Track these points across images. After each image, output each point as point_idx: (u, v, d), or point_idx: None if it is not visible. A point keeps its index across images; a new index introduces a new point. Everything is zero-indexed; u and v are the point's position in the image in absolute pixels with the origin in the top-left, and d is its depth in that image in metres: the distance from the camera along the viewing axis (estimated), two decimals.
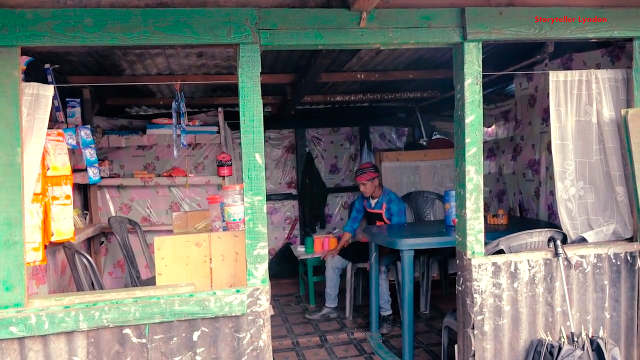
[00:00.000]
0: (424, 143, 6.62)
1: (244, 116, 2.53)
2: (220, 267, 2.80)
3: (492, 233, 3.72)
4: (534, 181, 4.58)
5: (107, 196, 5.40)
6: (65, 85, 4.02)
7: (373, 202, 5.05)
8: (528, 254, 2.87)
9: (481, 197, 2.79)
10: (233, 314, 2.49)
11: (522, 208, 4.83)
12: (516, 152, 4.88)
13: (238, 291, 2.51)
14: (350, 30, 2.64)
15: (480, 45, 2.75)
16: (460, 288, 2.88)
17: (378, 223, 5.00)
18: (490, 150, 5.43)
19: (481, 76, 2.76)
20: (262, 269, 2.57)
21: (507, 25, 2.75)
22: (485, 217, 4.48)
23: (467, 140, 2.76)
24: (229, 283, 2.80)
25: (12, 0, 2.40)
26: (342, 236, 5.31)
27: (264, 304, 2.55)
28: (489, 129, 5.56)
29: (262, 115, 2.56)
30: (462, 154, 2.78)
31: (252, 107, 2.54)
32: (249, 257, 2.56)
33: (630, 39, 2.94)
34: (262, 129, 2.56)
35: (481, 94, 2.76)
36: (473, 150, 2.77)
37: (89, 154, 3.39)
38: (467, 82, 2.74)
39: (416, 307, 5.01)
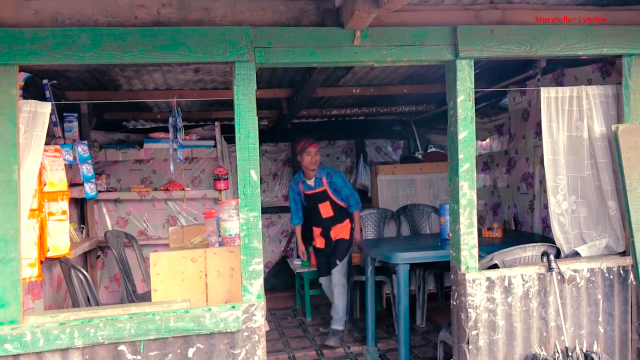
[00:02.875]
0: (420, 156, 6.66)
1: (240, 133, 2.57)
2: (216, 283, 2.81)
3: (487, 247, 3.74)
4: (528, 194, 4.62)
5: (104, 210, 5.40)
6: (63, 102, 4.05)
7: (311, 182, 4.68)
8: (522, 268, 2.89)
9: (474, 212, 2.82)
10: (228, 330, 2.50)
11: (517, 221, 4.86)
12: (510, 165, 4.92)
13: (233, 307, 2.53)
14: (344, 48, 2.68)
15: (472, 63, 2.79)
16: (454, 303, 2.89)
17: (323, 205, 4.67)
18: (485, 163, 5.47)
19: (473, 93, 2.80)
20: (257, 285, 2.58)
21: (498, 43, 2.80)
22: (480, 230, 4.54)
23: (461, 156, 2.79)
24: (224, 299, 2.81)
25: (11, 20, 2.45)
26: (296, 231, 5.08)
27: (260, 320, 2.56)
28: (483, 142, 5.61)
29: (257, 132, 2.60)
30: (456, 170, 2.82)
31: (247, 124, 2.57)
32: (244, 273, 2.58)
33: (620, 56, 2.99)
34: (258, 145, 2.60)
35: (474, 111, 2.80)
36: (466, 166, 2.80)
37: (86, 169, 3.41)
38: (460, 98, 2.78)
39: (412, 320, 5.01)
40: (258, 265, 2.59)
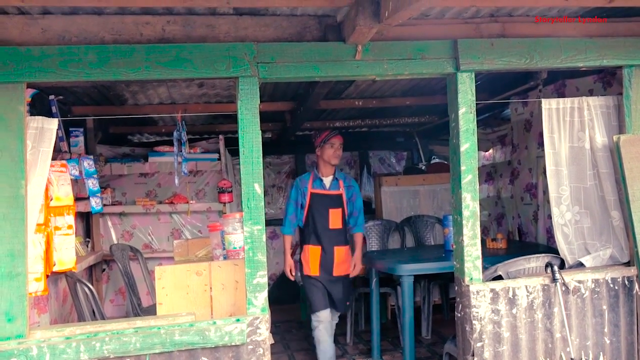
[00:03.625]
0: (423, 167, 6.67)
1: (243, 147, 2.59)
2: (221, 296, 2.83)
3: (492, 257, 3.74)
4: (532, 205, 4.62)
5: (109, 223, 5.44)
6: (69, 118, 4.10)
7: (326, 180, 4.03)
8: (526, 279, 2.89)
9: (478, 223, 2.83)
10: (233, 344, 2.51)
11: (521, 232, 4.86)
12: (514, 176, 4.93)
13: (238, 320, 2.54)
14: (346, 62, 2.72)
15: (473, 75, 2.82)
16: (459, 314, 2.89)
17: (335, 212, 4.01)
18: (488, 174, 5.48)
19: (475, 105, 2.83)
20: (261, 298, 2.60)
21: (498, 55, 2.83)
22: (484, 241, 4.54)
23: (463, 167, 2.81)
24: (229, 312, 2.82)
25: (19, 38, 2.50)
26: (285, 242, 4.09)
27: (264, 333, 2.56)
28: (487, 153, 5.62)
29: (261, 146, 2.62)
30: (458, 181, 2.83)
31: (251, 138, 2.60)
32: (248, 286, 2.59)
33: (620, 67, 3.01)
34: (261, 159, 2.62)
35: (475, 123, 2.83)
36: (469, 177, 2.82)
37: (92, 184, 3.44)
38: (461, 111, 2.81)
39: (418, 332, 4.99)
40: (262, 278, 2.60)
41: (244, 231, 2.61)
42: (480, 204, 5.61)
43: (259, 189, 2.60)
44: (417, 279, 4.76)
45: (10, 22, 2.49)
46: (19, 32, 2.49)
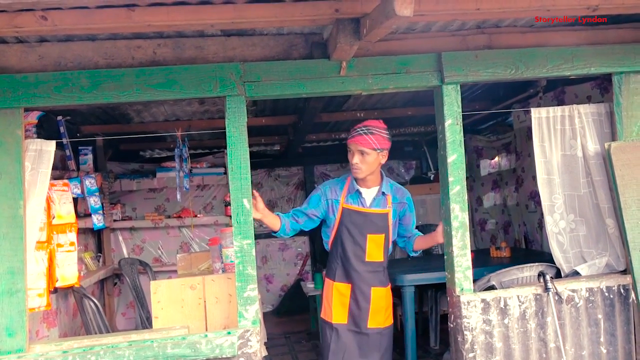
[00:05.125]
0: (431, 176, 6.66)
1: (232, 164, 2.67)
2: (215, 309, 2.89)
3: (495, 266, 3.72)
4: (536, 213, 4.58)
5: (120, 238, 5.58)
6: (77, 139, 4.25)
7: (368, 194, 2.88)
8: (518, 289, 2.88)
9: (467, 234, 2.84)
10: (224, 356, 2.57)
11: (527, 239, 4.82)
12: (518, 183, 4.90)
13: (229, 333, 2.59)
14: (331, 78, 2.78)
15: (459, 87, 2.84)
16: (451, 325, 2.89)
17: (376, 239, 2.84)
18: (494, 182, 5.45)
19: (461, 116, 2.85)
20: (252, 311, 2.65)
21: (483, 67, 2.85)
22: (488, 250, 4.52)
23: (451, 179, 2.83)
24: (223, 324, 2.89)
25: (18, 65, 2.63)
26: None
27: (255, 345, 2.61)
28: (492, 160, 5.59)
29: (249, 162, 2.69)
30: (447, 192, 2.85)
31: (239, 155, 2.67)
32: (239, 299, 2.65)
33: (609, 74, 2.99)
34: (250, 175, 2.69)
35: (462, 134, 2.85)
36: (457, 188, 2.83)
37: (94, 201, 3.57)
38: (448, 122, 2.83)
39: (426, 342, 4.97)
40: (253, 292, 2.65)
41: (234, 246, 2.67)
42: (487, 212, 5.59)
43: (247, 204, 2.67)
44: (425, 288, 4.75)
45: (9, 51, 2.63)
46: (17, 60, 2.62)
